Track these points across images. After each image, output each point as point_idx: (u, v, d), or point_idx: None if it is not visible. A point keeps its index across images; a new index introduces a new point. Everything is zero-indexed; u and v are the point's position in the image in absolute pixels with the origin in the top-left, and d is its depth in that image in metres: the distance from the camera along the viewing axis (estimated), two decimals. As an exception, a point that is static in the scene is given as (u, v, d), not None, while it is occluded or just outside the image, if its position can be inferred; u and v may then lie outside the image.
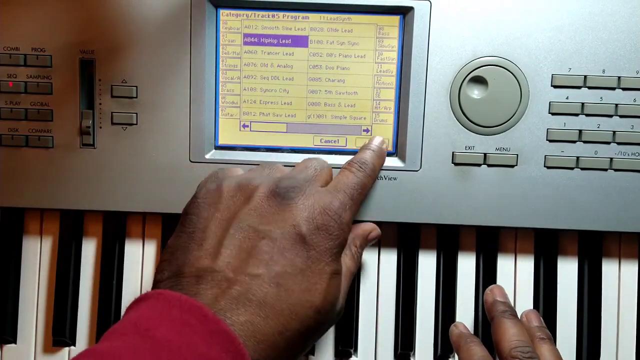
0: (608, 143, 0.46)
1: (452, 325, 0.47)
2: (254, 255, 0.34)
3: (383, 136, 0.46)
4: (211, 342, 0.30)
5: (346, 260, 0.40)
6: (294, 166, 0.43)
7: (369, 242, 0.44)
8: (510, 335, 0.42)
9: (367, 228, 0.44)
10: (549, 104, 0.46)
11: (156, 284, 0.36)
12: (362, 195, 0.41)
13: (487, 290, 0.47)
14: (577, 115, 0.46)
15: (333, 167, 0.46)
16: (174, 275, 0.35)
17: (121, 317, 0.33)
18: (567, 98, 0.46)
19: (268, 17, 0.46)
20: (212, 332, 0.31)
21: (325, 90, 0.47)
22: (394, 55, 0.46)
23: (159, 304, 0.32)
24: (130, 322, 0.31)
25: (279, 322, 0.34)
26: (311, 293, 0.35)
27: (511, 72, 0.45)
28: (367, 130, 0.47)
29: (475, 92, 0.46)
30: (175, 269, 0.35)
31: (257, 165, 0.43)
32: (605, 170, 0.46)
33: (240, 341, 0.31)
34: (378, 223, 0.45)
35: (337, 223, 0.37)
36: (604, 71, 0.45)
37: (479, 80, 0.46)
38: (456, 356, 0.46)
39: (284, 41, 0.46)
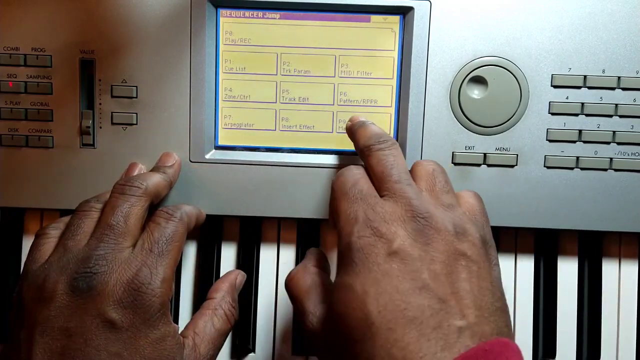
0: (608, 143, 0.46)
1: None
2: (66, 355, 0.34)
3: None
4: None
5: (215, 323, 0.40)
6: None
7: (238, 290, 0.43)
8: (369, 132, 0.40)
9: (232, 278, 0.43)
10: (549, 104, 0.46)
11: None
12: (174, 242, 0.39)
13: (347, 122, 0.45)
14: (577, 115, 0.46)
15: (328, 167, 0.46)
16: None
17: None
18: (567, 98, 0.46)
19: (268, 16, 0.46)
20: None
21: (326, 91, 0.47)
22: (394, 55, 0.46)
23: None
24: None
25: None
26: None
27: (511, 72, 0.45)
28: (367, 130, 0.47)
29: (475, 92, 0.46)
30: None
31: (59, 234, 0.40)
32: (605, 170, 0.46)
33: None
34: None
35: (147, 292, 0.36)
36: (604, 71, 0.45)
37: (479, 80, 0.46)
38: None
39: (284, 41, 0.46)
